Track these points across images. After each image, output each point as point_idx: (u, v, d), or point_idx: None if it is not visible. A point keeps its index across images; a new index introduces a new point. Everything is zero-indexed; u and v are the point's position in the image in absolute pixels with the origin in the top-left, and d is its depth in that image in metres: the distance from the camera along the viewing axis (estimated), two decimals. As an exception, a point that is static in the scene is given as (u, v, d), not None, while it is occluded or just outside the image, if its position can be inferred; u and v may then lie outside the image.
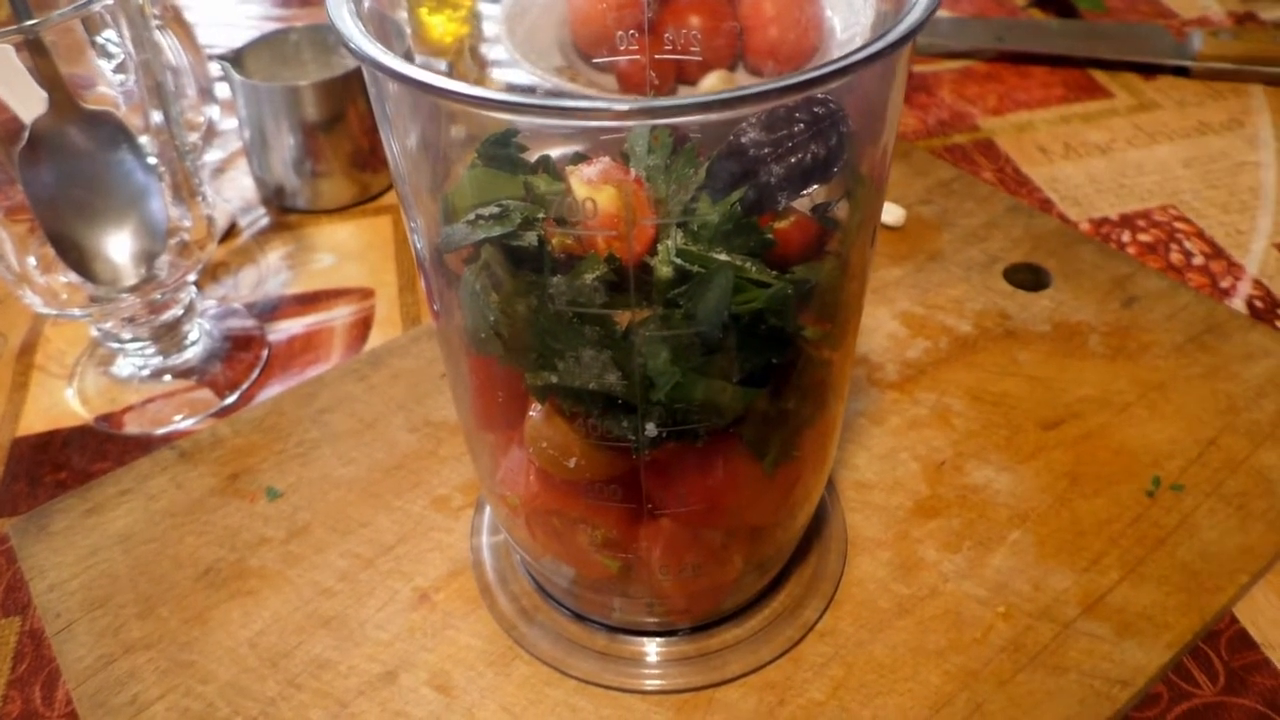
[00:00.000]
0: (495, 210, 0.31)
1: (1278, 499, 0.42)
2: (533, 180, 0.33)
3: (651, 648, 0.38)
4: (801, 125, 0.32)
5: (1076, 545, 0.41)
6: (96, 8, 0.43)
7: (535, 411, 0.31)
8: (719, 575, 0.36)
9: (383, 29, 0.30)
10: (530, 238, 0.30)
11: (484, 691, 0.37)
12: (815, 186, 0.31)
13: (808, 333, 0.31)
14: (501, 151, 0.33)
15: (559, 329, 0.29)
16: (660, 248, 0.30)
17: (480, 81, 0.34)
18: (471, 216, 0.31)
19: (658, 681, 0.37)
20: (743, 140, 0.32)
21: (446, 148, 0.33)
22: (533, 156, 0.34)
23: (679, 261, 0.29)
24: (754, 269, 0.30)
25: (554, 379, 0.29)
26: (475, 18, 0.80)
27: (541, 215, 0.30)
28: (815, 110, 0.32)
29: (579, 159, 0.37)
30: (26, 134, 0.45)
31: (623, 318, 0.29)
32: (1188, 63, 0.74)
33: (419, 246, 0.34)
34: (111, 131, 0.48)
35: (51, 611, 0.41)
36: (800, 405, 0.31)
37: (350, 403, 0.49)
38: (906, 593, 0.40)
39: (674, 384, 0.29)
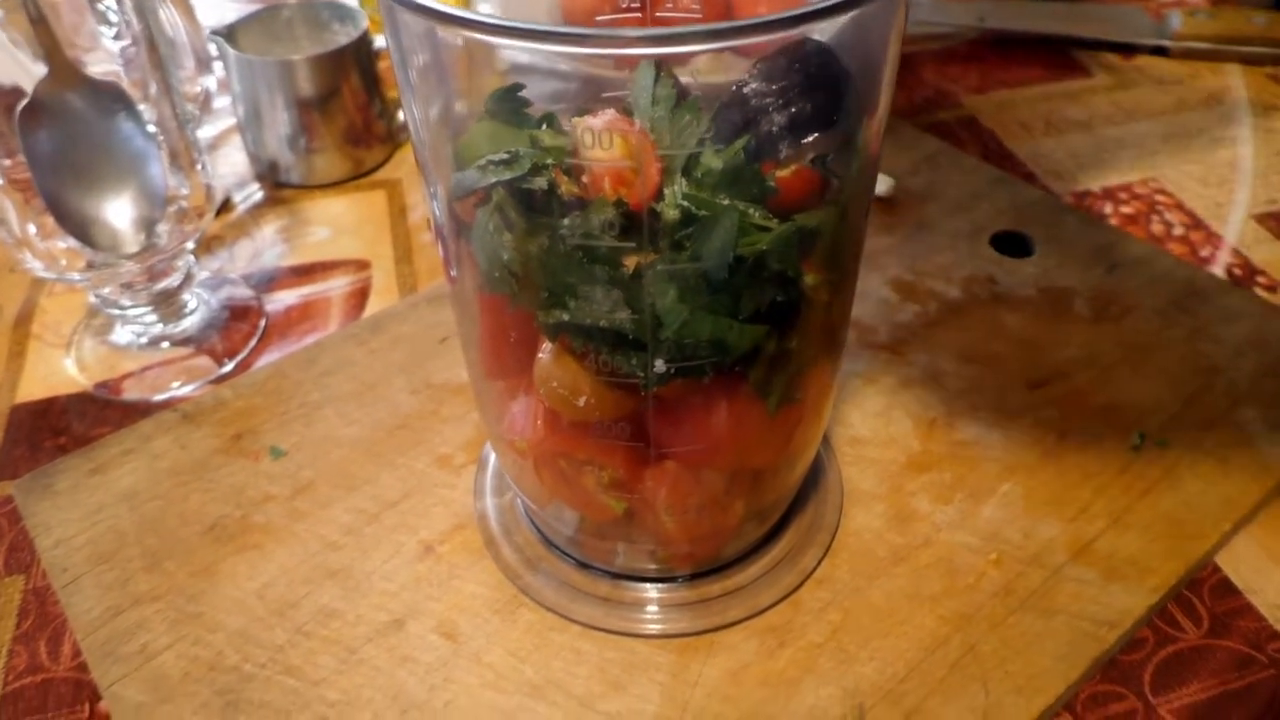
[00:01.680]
0: (505, 156, 0.31)
1: (1257, 452, 0.44)
2: (538, 134, 0.34)
3: (653, 593, 0.39)
4: (802, 75, 0.33)
5: (1064, 496, 0.42)
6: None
7: (545, 352, 0.32)
8: (721, 520, 0.37)
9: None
10: (540, 182, 0.31)
11: (490, 637, 0.38)
12: (815, 135, 0.32)
13: (809, 278, 0.32)
14: (508, 105, 0.34)
15: (570, 267, 0.30)
16: (666, 192, 0.31)
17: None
18: (482, 162, 0.31)
19: (660, 625, 0.38)
20: (744, 90, 0.33)
21: (461, 107, 0.34)
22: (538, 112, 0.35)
23: (685, 204, 0.30)
24: (757, 214, 0.31)
25: (565, 316, 0.30)
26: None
27: (550, 162, 0.31)
28: (815, 60, 0.33)
29: (583, 113, 0.38)
30: (27, 99, 0.46)
31: (631, 260, 0.30)
32: (1166, 42, 0.75)
33: (438, 213, 0.35)
34: (112, 98, 0.48)
35: (58, 566, 0.41)
36: (802, 347, 0.32)
37: (351, 366, 0.49)
38: (901, 542, 0.41)
39: (682, 321, 0.29)
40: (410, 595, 0.40)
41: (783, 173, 0.33)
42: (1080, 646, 0.37)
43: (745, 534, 0.39)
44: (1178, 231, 0.60)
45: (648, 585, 0.39)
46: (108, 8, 0.48)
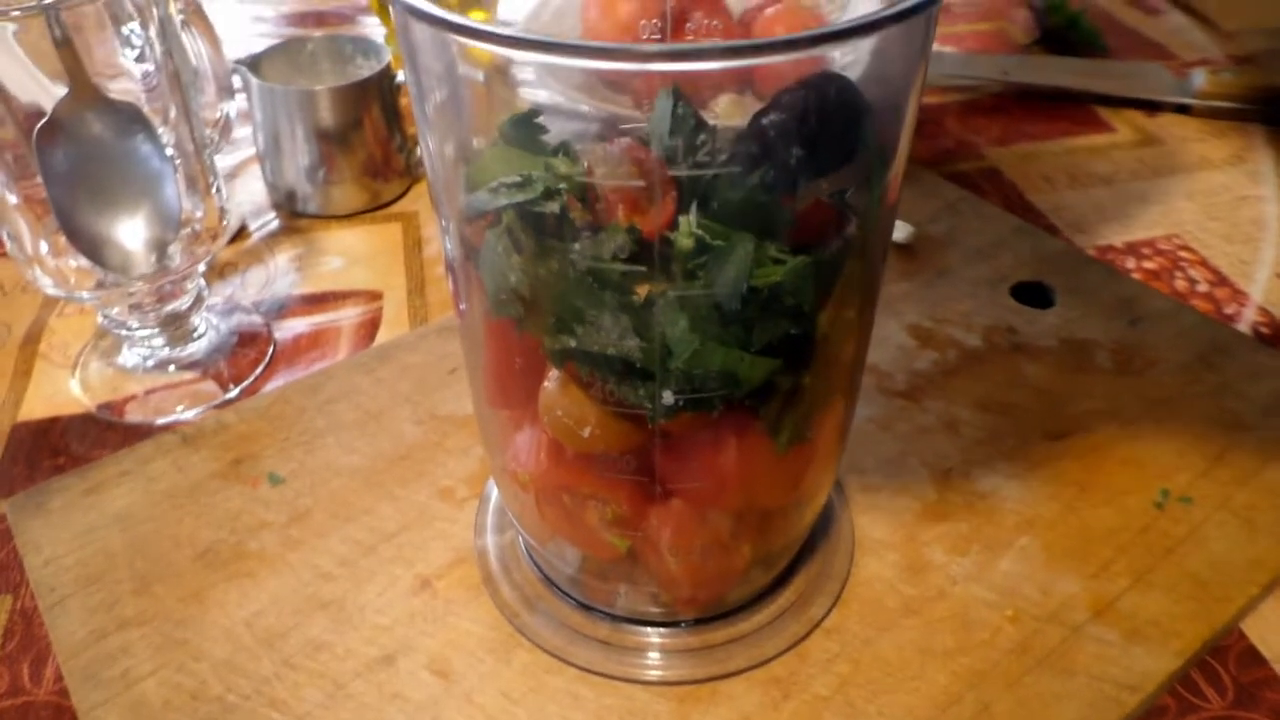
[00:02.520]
0: (517, 179, 0.31)
1: (1286, 513, 0.42)
2: (553, 162, 0.33)
3: (655, 638, 0.38)
4: (822, 108, 0.32)
5: (1085, 552, 0.41)
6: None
7: (551, 381, 0.31)
8: (727, 563, 0.35)
9: None
10: (552, 206, 0.30)
11: (484, 677, 0.37)
12: (835, 170, 0.32)
13: (824, 314, 0.31)
14: (524, 132, 0.33)
15: (579, 292, 0.29)
16: (681, 220, 0.30)
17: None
18: (494, 185, 0.31)
19: (660, 672, 0.37)
20: (763, 121, 0.32)
21: (478, 142, 0.33)
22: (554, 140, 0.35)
23: (700, 233, 0.29)
24: (773, 248, 0.30)
25: (572, 343, 0.29)
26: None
27: (563, 186, 0.31)
28: (836, 93, 0.32)
29: (599, 140, 0.37)
30: (46, 118, 0.46)
31: (642, 288, 0.30)
32: (1190, 100, 0.75)
33: (449, 245, 0.34)
34: (131, 119, 0.48)
35: (45, 586, 0.40)
36: (815, 384, 0.31)
37: (356, 395, 0.48)
38: (914, 593, 0.39)
39: (693, 351, 0.29)
40: (403, 630, 0.38)
41: (800, 206, 0.32)
42: (1100, 710, 0.35)
43: (752, 580, 0.38)
44: (1202, 288, 0.59)
45: (649, 629, 0.38)
46: (132, 31, 0.48)
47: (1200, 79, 0.74)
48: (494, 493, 0.43)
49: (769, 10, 0.63)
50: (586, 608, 0.38)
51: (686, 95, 0.37)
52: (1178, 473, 0.44)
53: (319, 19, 0.93)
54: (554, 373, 0.31)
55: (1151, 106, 0.76)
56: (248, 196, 0.68)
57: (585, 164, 0.31)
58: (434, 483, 0.44)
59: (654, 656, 0.37)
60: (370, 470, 0.45)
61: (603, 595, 0.38)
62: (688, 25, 0.53)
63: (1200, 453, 0.45)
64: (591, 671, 0.37)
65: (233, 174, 0.70)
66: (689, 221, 0.30)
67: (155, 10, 0.47)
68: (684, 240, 0.30)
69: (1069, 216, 0.65)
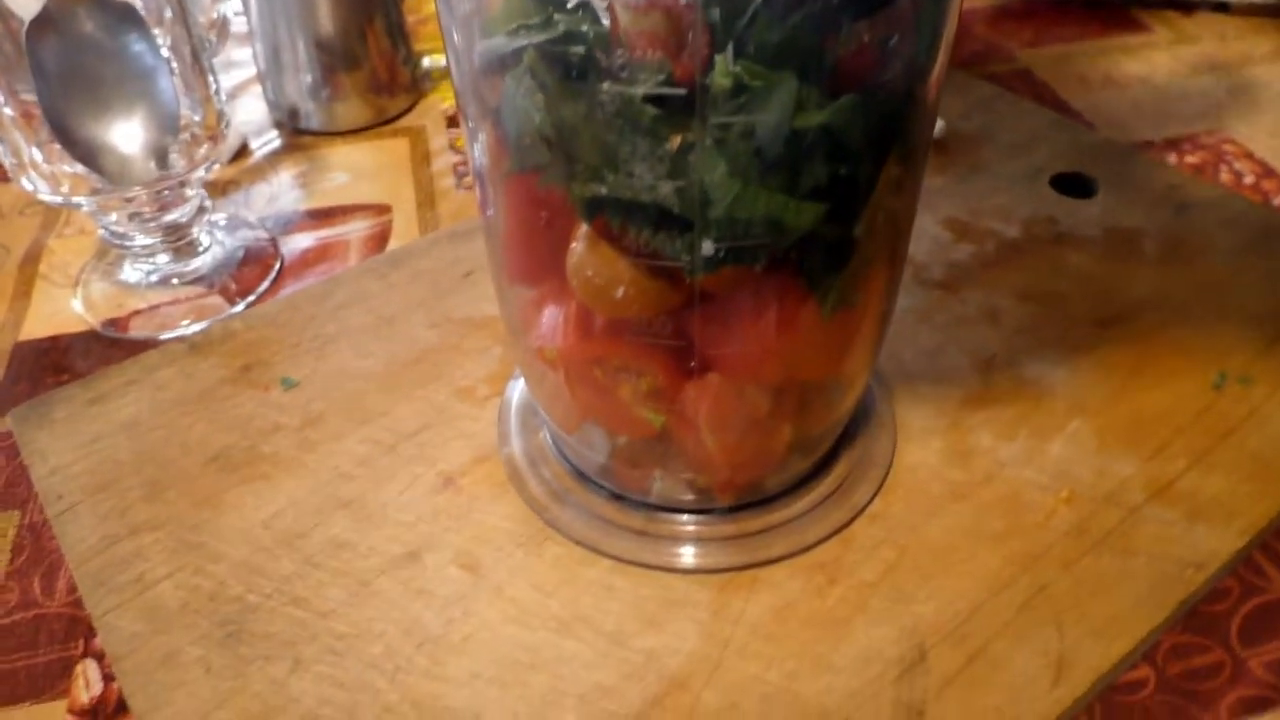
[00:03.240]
0: (537, 20, 0.28)
1: (1351, 392, 0.40)
2: (572, 19, 0.31)
3: (692, 526, 0.36)
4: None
5: (1139, 435, 0.39)
6: None
7: (579, 240, 0.29)
8: (766, 444, 0.33)
9: None
10: (576, 48, 0.28)
11: (513, 571, 0.35)
12: (880, 10, 0.29)
13: (870, 164, 0.29)
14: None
15: (610, 134, 0.27)
16: (718, 60, 0.28)
17: None
18: (512, 27, 0.28)
19: (698, 560, 0.35)
20: (802, -44, 0.30)
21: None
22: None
23: (738, 71, 0.27)
24: (815, 91, 0.28)
25: (603, 190, 0.27)
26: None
27: (586, 28, 0.28)
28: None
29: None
30: (38, 12, 0.43)
31: (675, 138, 0.27)
32: (1227, -1, 0.72)
33: (476, 154, 0.32)
34: (124, 17, 0.46)
35: (53, 494, 0.38)
36: (862, 241, 0.29)
37: (368, 300, 0.46)
38: (961, 478, 0.37)
39: (734, 196, 0.26)
40: (427, 527, 0.36)
41: (843, 49, 0.30)
42: (1164, 589, 0.34)
43: (791, 466, 0.36)
44: (1248, 180, 0.56)
45: (685, 517, 0.36)
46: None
47: (1237, -27, 0.71)
48: (516, 394, 0.41)
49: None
50: (619, 498, 0.37)
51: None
52: (1234, 355, 0.42)
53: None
54: (582, 230, 0.29)
55: (1188, 6, 0.73)
56: (249, 116, 0.66)
57: (611, 10, 0.29)
58: (453, 383, 0.42)
59: (690, 545, 0.35)
60: (385, 374, 0.43)
61: (636, 482, 0.36)
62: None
63: (1257, 334, 0.43)
64: (626, 561, 0.35)
65: (233, 94, 0.68)
66: (725, 60, 0.28)
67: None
68: (721, 80, 0.27)
69: (1106, 114, 0.62)
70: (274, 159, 0.62)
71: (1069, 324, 0.44)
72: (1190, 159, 0.58)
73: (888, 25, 0.30)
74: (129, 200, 0.47)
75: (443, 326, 0.45)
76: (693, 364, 0.30)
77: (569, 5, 0.32)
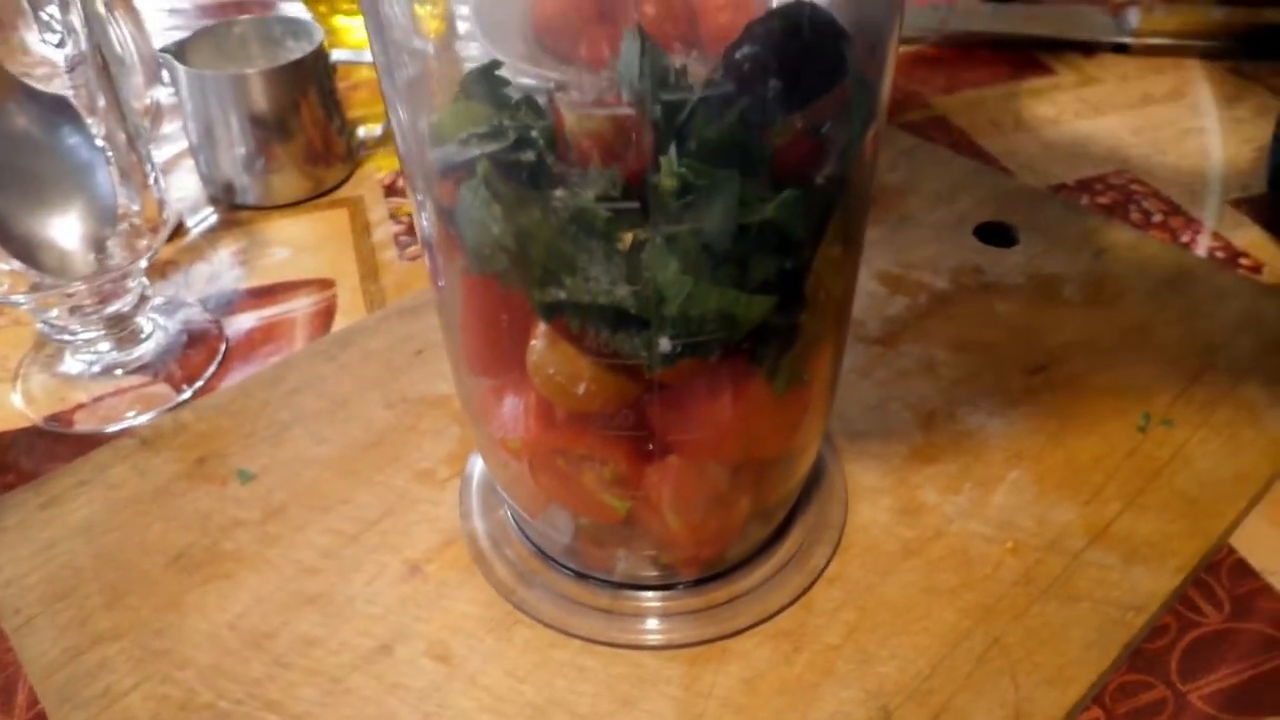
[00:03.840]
0: (487, 129, 0.29)
1: (1265, 428, 0.43)
2: (518, 116, 0.32)
3: (657, 602, 0.37)
4: (797, 38, 0.31)
5: (1075, 480, 0.41)
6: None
7: (539, 338, 0.30)
8: (726, 518, 0.35)
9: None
10: (527, 155, 0.29)
11: (486, 658, 0.35)
12: (813, 101, 0.31)
13: (816, 250, 0.30)
14: (485, 85, 0.32)
15: (566, 240, 0.28)
16: (662, 161, 0.29)
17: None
18: (464, 136, 0.29)
19: (666, 636, 0.36)
20: (737, 55, 0.32)
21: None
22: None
23: (682, 172, 0.28)
24: (755, 185, 0.29)
25: (562, 294, 0.28)
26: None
27: (535, 134, 0.29)
28: (811, 22, 0.31)
29: (564, 88, 0.36)
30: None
31: (629, 234, 0.28)
32: (1126, 39, 0.75)
33: (425, 224, 0.32)
34: (56, 110, 0.46)
35: (9, 608, 0.38)
36: (810, 321, 0.31)
37: (320, 383, 0.47)
38: (911, 535, 0.39)
39: (686, 294, 0.28)
40: (396, 618, 0.37)
41: (779, 140, 0.31)
42: (1109, 633, 0.35)
43: (750, 535, 0.37)
44: (1157, 219, 0.60)
45: (651, 594, 0.37)
46: (51, 16, 0.46)
47: (1134, 18, 0.75)
48: (477, 471, 0.42)
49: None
50: (584, 577, 0.37)
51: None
52: (1156, 396, 0.44)
53: (239, 7, 0.89)
54: (541, 329, 0.30)
55: (1089, 48, 0.77)
56: (182, 192, 0.65)
57: (552, 113, 0.30)
58: (411, 465, 0.43)
59: (657, 621, 0.36)
60: (343, 459, 0.43)
61: (601, 562, 0.37)
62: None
63: (1176, 375, 0.45)
64: (596, 641, 0.35)
65: (165, 169, 0.67)
66: (669, 161, 0.29)
67: (76, -7, 0.44)
68: (667, 181, 0.29)
69: (1020, 158, 0.65)
70: (211, 236, 0.62)
71: (1002, 373, 0.46)
72: (1102, 200, 0.61)
73: (821, 114, 0.32)
74: (69, 295, 0.47)
75: (398, 407, 0.45)
76: (653, 448, 0.31)
77: (513, 101, 0.33)
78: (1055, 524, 0.39)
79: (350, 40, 0.80)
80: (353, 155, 0.67)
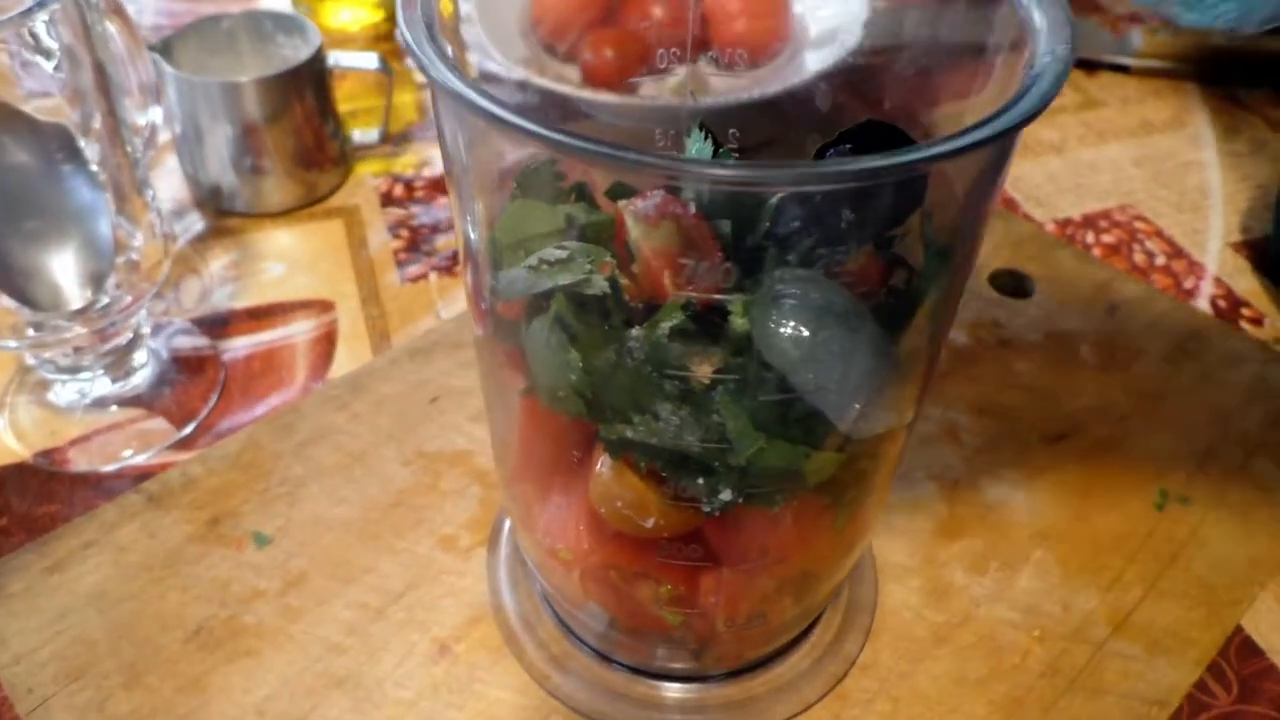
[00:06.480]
0: (560, 254, 0.28)
1: (1278, 508, 0.44)
2: (572, 211, 0.31)
3: (695, 693, 0.37)
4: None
5: (1097, 563, 0.41)
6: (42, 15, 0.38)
7: (605, 467, 0.29)
8: (773, 619, 0.35)
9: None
10: (600, 284, 0.28)
11: (524, 751, 0.35)
12: (887, 231, 0.30)
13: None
14: (539, 180, 0.31)
15: (638, 381, 0.27)
16: (733, 305, 0.28)
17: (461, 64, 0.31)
18: (534, 261, 0.28)
19: (706, 729, 0.36)
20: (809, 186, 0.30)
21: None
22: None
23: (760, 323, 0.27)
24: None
25: (629, 434, 0.27)
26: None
27: (608, 258, 0.28)
28: (885, 145, 0.30)
29: (623, 191, 0.35)
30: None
31: (702, 369, 0.28)
32: (1128, 60, 0.75)
33: (472, 235, 0.31)
34: (51, 138, 0.43)
35: (21, 687, 0.37)
36: (875, 466, 0.30)
37: (333, 434, 0.45)
38: (941, 620, 0.39)
39: (756, 448, 0.27)
40: (429, 705, 0.36)
41: (851, 264, 0.30)
42: (1134, 730, 0.36)
43: (791, 626, 0.37)
44: (1160, 261, 0.60)
45: (687, 685, 0.37)
46: (43, 36, 0.42)
47: (1138, 39, 0.75)
48: (503, 540, 0.41)
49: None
50: (618, 663, 0.37)
51: (711, 128, 0.35)
52: (1172, 470, 0.45)
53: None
54: (607, 458, 0.29)
55: (1091, 66, 0.76)
56: (167, 192, 0.62)
57: (619, 219, 0.29)
58: (434, 530, 0.42)
59: (696, 715, 0.36)
60: (363, 521, 0.42)
61: (638, 654, 0.37)
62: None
63: (1191, 448, 0.46)
64: (635, 735, 0.35)
65: (149, 166, 0.64)
66: (743, 305, 0.28)
67: (76, 11, 0.41)
68: (739, 321, 0.28)
69: (1026, 188, 0.65)
70: (200, 245, 0.59)
71: (1023, 440, 0.46)
72: (1107, 238, 0.62)
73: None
74: (66, 339, 0.44)
75: (415, 463, 0.44)
76: (710, 567, 0.31)
77: (565, 190, 0.32)
78: (1079, 610, 0.40)
79: (330, 24, 0.76)
80: (347, 160, 0.64)
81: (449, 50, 0.26)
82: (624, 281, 0.28)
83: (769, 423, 0.27)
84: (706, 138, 0.33)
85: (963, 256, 0.29)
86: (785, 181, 0.24)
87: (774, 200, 0.30)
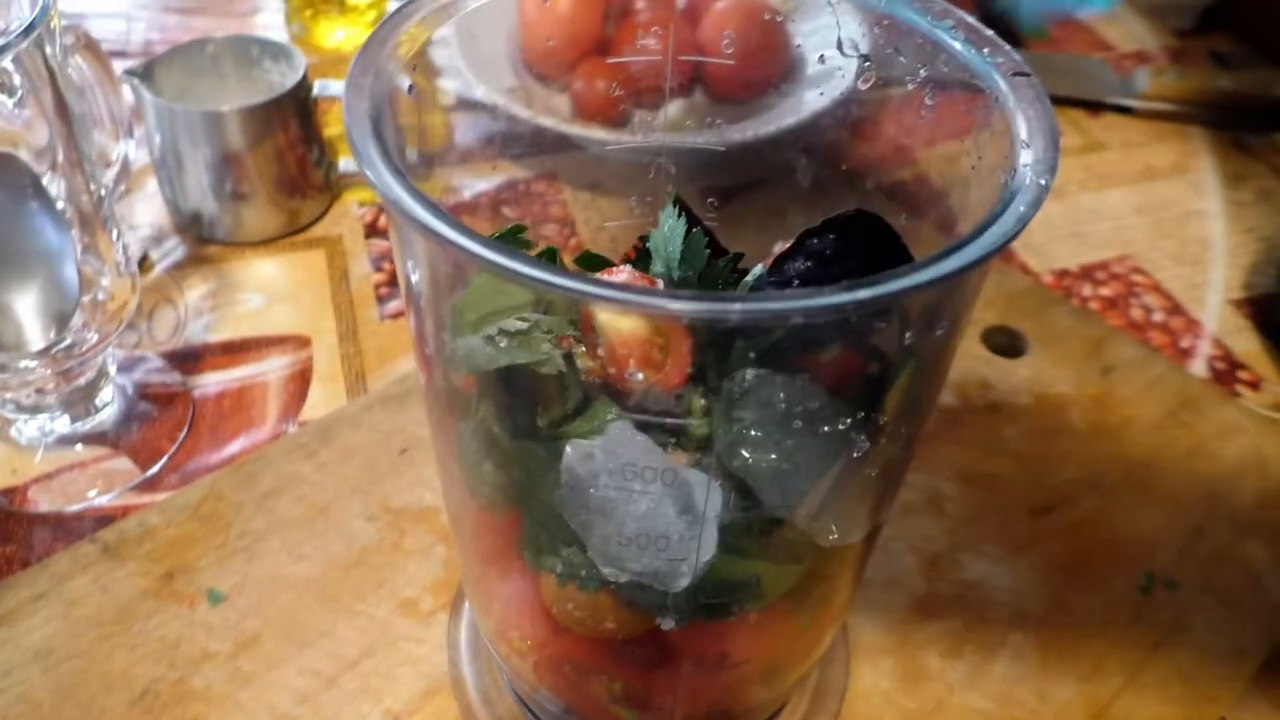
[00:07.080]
0: (520, 325, 0.27)
1: (1265, 594, 0.42)
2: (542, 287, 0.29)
3: (655, 782, 0.35)
4: (854, 255, 0.29)
5: (1077, 649, 0.40)
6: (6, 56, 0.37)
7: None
8: (736, 711, 0.33)
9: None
10: (556, 361, 0.26)
11: (473, 839, 0.34)
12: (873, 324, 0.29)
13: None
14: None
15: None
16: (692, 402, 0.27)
17: (430, 92, 0.30)
18: (493, 330, 0.27)
19: (663, 821, 0.34)
20: (786, 266, 0.29)
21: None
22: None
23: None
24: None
25: (559, 567, 0.25)
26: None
27: (571, 332, 0.27)
28: (867, 235, 0.29)
29: (592, 261, 0.33)
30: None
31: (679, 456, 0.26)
32: (1132, 102, 0.74)
33: (414, 280, 0.30)
34: (13, 174, 0.42)
35: (-40, 752, 0.35)
36: (841, 572, 0.29)
37: (298, 485, 0.44)
38: (913, 707, 0.38)
39: (710, 565, 0.26)
40: (378, 784, 0.35)
41: (825, 358, 0.29)
42: (1107, 835, 0.35)
43: (753, 715, 0.36)
44: (1158, 317, 0.59)
45: (647, 771, 0.36)
46: (9, 70, 0.41)
47: (1144, 80, 0.73)
48: (466, 609, 0.40)
49: (719, 4, 0.59)
50: (579, 749, 0.36)
51: (686, 203, 0.34)
52: (1160, 551, 0.44)
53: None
54: (560, 558, 0.28)
55: (1094, 106, 0.75)
56: (146, 217, 0.61)
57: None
58: (395, 593, 0.41)
59: (655, 803, 0.35)
60: (323, 580, 0.41)
61: (597, 738, 0.35)
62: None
63: (1179, 526, 0.45)
64: (591, 825, 0.34)
65: (126, 189, 0.63)
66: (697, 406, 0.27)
67: (40, 46, 0.40)
68: (699, 428, 0.26)
69: (1024, 236, 0.63)
70: (178, 274, 0.58)
71: (1008, 512, 0.45)
72: (1104, 291, 0.60)
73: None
74: (29, 381, 0.43)
75: (381, 519, 0.43)
76: (665, 664, 0.30)
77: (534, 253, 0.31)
78: (1055, 702, 0.38)
79: (324, 43, 0.75)
80: (332, 187, 0.63)
81: (401, 149, 0.25)
82: (589, 364, 0.27)
83: (724, 535, 0.25)
84: (680, 215, 0.32)
85: (935, 366, 0.28)
86: (736, 316, 0.22)
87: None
